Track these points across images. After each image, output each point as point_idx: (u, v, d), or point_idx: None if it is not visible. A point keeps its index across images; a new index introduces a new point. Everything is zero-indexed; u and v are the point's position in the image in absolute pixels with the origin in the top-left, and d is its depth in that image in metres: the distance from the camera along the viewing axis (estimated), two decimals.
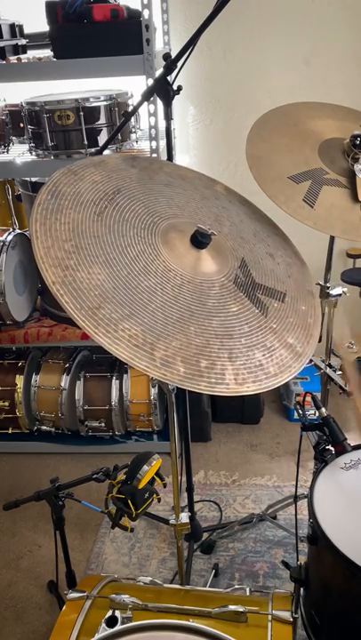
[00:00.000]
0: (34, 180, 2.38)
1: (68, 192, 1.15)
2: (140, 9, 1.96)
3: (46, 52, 2.27)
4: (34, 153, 2.28)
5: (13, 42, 2.32)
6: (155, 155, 2.14)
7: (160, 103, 1.65)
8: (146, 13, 1.96)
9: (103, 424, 2.56)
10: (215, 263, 1.21)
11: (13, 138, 2.47)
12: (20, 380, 2.58)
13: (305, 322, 1.22)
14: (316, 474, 1.43)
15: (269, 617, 1.25)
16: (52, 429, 2.63)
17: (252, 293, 1.19)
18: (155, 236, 1.17)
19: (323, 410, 1.48)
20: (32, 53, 2.36)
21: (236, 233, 1.35)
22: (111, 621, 1.17)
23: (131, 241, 1.13)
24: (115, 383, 2.55)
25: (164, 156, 1.92)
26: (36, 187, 2.36)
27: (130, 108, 2.12)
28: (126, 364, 2.57)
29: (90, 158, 1.28)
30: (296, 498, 1.80)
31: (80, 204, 1.13)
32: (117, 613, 1.18)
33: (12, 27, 2.34)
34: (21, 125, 2.35)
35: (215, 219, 1.35)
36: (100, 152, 1.71)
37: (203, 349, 1.03)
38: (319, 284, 1.79)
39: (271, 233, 1.44)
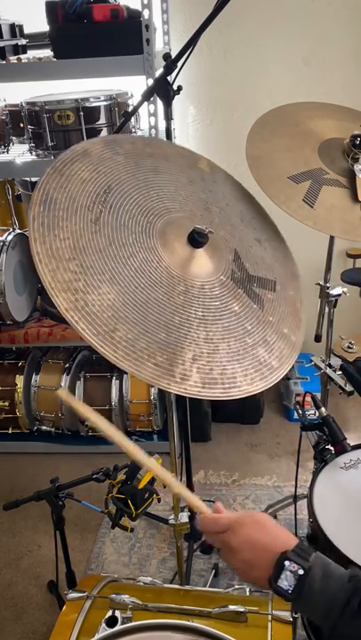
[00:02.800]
0: (34, 179, 2.38)
1: (60, 198, 1.12)
2: (140, 9, 1.96)
3: (46, 52, 2.27)
4: (34, 153, 2.28)
5: (13, 42, 2.32)
6: None
7: (160, 103, 1.65)
8: (146, 13, 1.96)
9: None
10: (212, 260, 1.21)
11: (13, 138, 2.47)
12: (20, 380, 2.58)
13: (294, 308, 1.23)
14: (315, 474, 1.43)
15: (269, 617, 1.25)
16: (52, 429, 2.63)
17: (249, 287, 1.20)
18: (153, 239, 1.16)
19: (323, 410, 1.48)
20: (32, 53, 2.36)
21: (226, 220, 1.34)
22: (111, 621, 1.17)
23: (132, 249, 1.11)
24: (115, 383, 2.55)
25: None
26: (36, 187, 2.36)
27: (130, 108, 2.12)
28: None
29: (72, 150, 1.24)
30: (296, 498, 1.81)
31: (74, 213, 1.11)
32: (117, 613, 1.18)
33: (12, 27, 2.34)
34: (21, 125, 2.35)
35: (205, 207, 1.34)
36: None
37: (213, 356, 1.03)
38: (319, 284, 1.79)
39: (255, 213, 1.43)
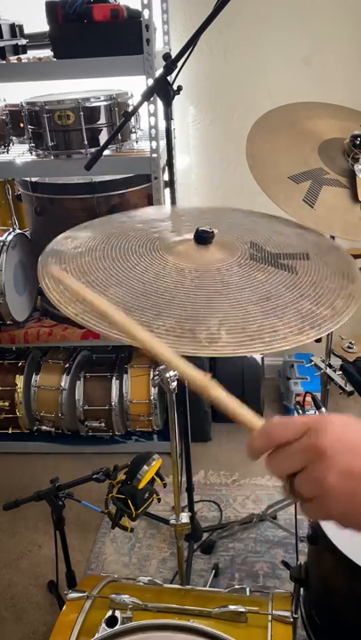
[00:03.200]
0: (34, 179, 2.38)
1: (66, 249, 1.21)
2: (140, 9, 1.96)
3: (46, 52, 2.27)
4: (34, 153, 2.28)
5: (13, 42, 2.32)
6: (155, 155, 2.14)
7: (160, 103, 1.65)
8: (146, 13, 1.96)
9: (103, 424, 2.56)
10: (225, 253, 1.22)
11: (13, 138, 2.47)
12: (20, 380, 2.58)
13: (340, 269, 1.22)
14: None
15: (269, 617, 1.25)
16: (52, 429, 2.63)
17: (274, 262, 1.20)
18: (158, 251, 1.22)
19: (323, 410, 1.48)
20: (32, 53, 2.36)
21: (236, 226, 1.36)
22: (111, 621, 1.17)
23: (137, 260, 1.17)
24: (115, 383, 2.55)
25: (164, 156, 1.92)
26: (35, 187, 2.36)
27: (130, 108, 2.12)
28: (127, 364, 2.58)
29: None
30: None
31: (80, 254, 1.20)
32: (117, 613, 1.18)
33: (12, 27, 2.34)
34: (21, 125, 2.35)
35: (210, 225, 1.36)
36: (100, 152, 1.71)
37: (245, 317, 1.04)
38: None
39: (271, 219, 1.45)
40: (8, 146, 2.42)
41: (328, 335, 1.85)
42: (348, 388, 1.73)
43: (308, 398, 1.52)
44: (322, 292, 1.12)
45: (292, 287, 1.13)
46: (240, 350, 0.98)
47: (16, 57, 2.25)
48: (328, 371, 1.82)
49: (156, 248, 1.21)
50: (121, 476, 1.33)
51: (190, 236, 1.22)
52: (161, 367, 1.33)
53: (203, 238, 1.19)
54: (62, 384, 2.56)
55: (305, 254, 1.24)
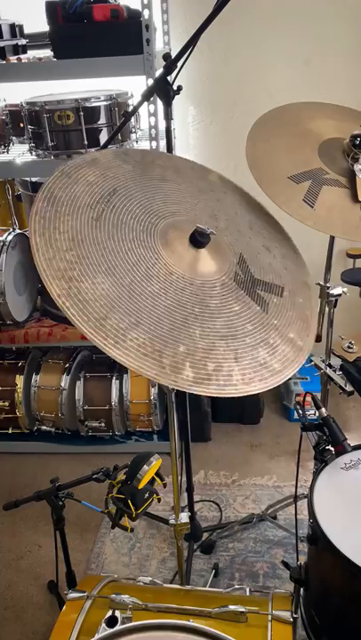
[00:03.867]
0: (34, 179, 2.38)
1: (64, 197, 1.14)
2: (140, 9, 1.96)
3: (46, 52, 2.27)
4: (34, 153, 2.27)
5: (13, 42, 2.32)
6: None
7: (160, 103, 1.65)
8: (146, 13, 1.96)
9: (103, 424, 2.56)
10: (215, 261, 1.21)
11: (13, 138, 2.47)
12: (20, 380, 2.58)
13: (303, 314, 1.23)
14: (316, 474, 1.43)
15: (269, 617, 1.25)
16: (52, 429, 2.63)
17: (253, 290, 1.20)
18: (154, 238, 1.17)
19: (323, 410, 1.48)
20: (32, 53, 2.36)
21: (233, 227, 1.35)
22: (111, 621, 1.17)
23: (131, 245, 1.13)
24: (115, 383, 2.55)
25: None
26: (36, 187, 2.36)
27: (130, 108, 2.12)
28: None
29: (82, 157, 1.26)
30: (296, 498, 1.80)
31: (77, 210, 1.13)
32: (117, 613, 1.18)
33: (12, 27, 2.33)
34: (21, 125, 2.35)
35: (211, 214, 1.35)
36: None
37: (209, 352, 1.03)
38: (319, 284, 1.79)
39: (266, 223, 1.44)
40: (8, 146, 2.42)
41: (328, 335, 1.85)
42: (349, 387, 1.73)
43: (308, 398, 1.52)
44: (280, 341, 1.13)
45: (259, 328, 1.13)
46: (195, 388, 0.98)
47: (16, 57, 2.25)
48: (328, 371, 1.82)
49: (154, 232, 1.17)
50: (121, 476, 1.33)
51: (189, 227, 1.20)
52: None
53: (198, 242, 1.18)
54: (62, 384, 2.56)
55: (281, 288, 1.24)
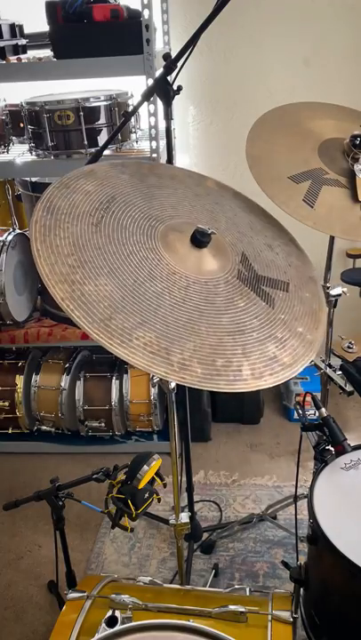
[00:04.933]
0: (34, 180, 2.38)
1: (63, 205, 1.15)
2: (140, 9, 1.96)
3: (46, 52, 2.27)
4: (34, 153, 2.28)
5: (13, 42, 2.32)
6: (155, 155, 2.14)
7: (160, 103, 1.65)
8: (146, 13, 1.96)
9: (103, 424, 2.56)
10: (217, 261, 1.21)
11: (13, 138, 2.47)
12: (20, 380, 2.58)
13: (311, 308, 1.23)
14: (316, 474, 1.43)
15: (269, 617, 1.25)
16: (52, 429, 2.63)
17: (257, 286, 1.20)
18: (155, 241, 1.18)
19: (323, 410, 1.48)
20: (32, 53, 2.36)
21: (233, 227, 1.36)
22: (111, 621, 1.17)
23: (132, 248, 1.14)
24: (115, 383, 2.55)
25: (164, 156, 1.92)
26: (36, 187, 2.36)
27: (130, 108, 2.12)
28: (127, 365, 2.58)
29: (78, 169, 1.29)
30: (296, 498, 1.80)
31: (76, 217, 1.15)
32: (117, 613, 1.18)
33: (12, 27, 2.33)
34: (21, 125, 2.35)
35: (210, 216, 1.35)
36: (100, 152, 1.71)
37: (217, 348, 1.04)
38: None
39: (266, 224, 1.45)
40: (8, 146, 2.42)
41: (328, 335, 1.85)
42: (349, 387, 1.73)
43: (308, 398, 1.52)
44: (289, 335, 1.13)
45: (266, 323, 1.13)
46: (205, 384, 0.98)
47: (16, 57, 2.25)
48: (328, 371, 1.82)
49: (154, 235, 1.18)
50: (121, 476, 1.33)
51: (189, 229, 1.20)
52: None
53: (200, 242, 1.18)
54: (62, 384, 2.56)
55: (286, 284, 1.24)
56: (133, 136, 2.35)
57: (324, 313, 1.26)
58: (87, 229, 1.13)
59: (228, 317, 1.11)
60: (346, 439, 1.46)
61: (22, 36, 2.40)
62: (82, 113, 2.12)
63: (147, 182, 1.34)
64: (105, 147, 1.94)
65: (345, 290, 1.79)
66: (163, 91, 1.57)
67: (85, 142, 2.16)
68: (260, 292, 1.19)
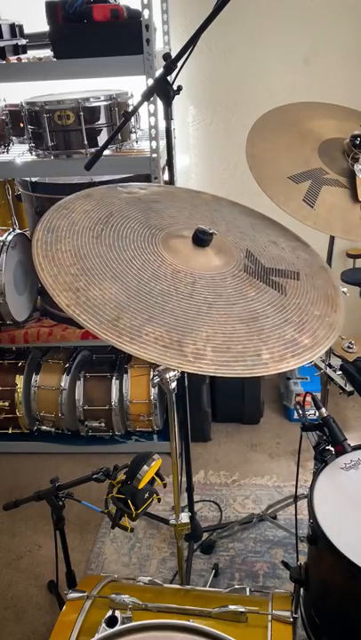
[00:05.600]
0: (34, 179, 2.38)
1: (63, 224, 1.19)
2: (140, 9, 1.96)
3: (46, 52, 2.27)
4: (34, 153, 2.28)
5: (13, 42, 2.32)
6: (155, 155, 2.14)
7: (160, 103, 1.65)
8: (146, 13, 1.96)
9: (103, 424, 2.56)
10: (220, 258, 1.22)
11: (13, 138, 2.47)
12: (20, 380, 2.58)
13: (326, 294, 1.23)
14: (316, 474, 1.43)
15: (269, 617, 1.25)
16: (52, 429, 2.63)
17: (266, 277, 1.21)
18: (156, 246, 1.20)
19: (323, 410, 1.48)
20: (32, 53, 2.36)
21: (235, 229, 1.36)
22: (111, 621, 1.17)
23: (134, 253, 1.16)
24: (115, 383, 2.55)
25: (163, 156, 1.92)
26: (36, 187, 2.36)
27: (130, 108, 2.12)
28: (127, 365, 2.58)
29: (75, 194, 1.33)
30: (296, 498, 1.80)
31: (77, 232, 1.18)
32: (117, 613, 1.18)
33: (12, 27, 2.33)
34: (21, 125, 2.35)
35: (210, 221, 1.36)
36: (100, 152, 1.71)
37: (231, 336, 1.04)
38: None
39: (268, 224, 1.45)
40: (8, 146, 2.42)
41: None
42: (349, 387, 1.73)
43: (308, 398, 1.52)
44: (306, 318, 1.14)
45: (280, 309, 1.14)
46: (223, 370, 0.99)
47: (16, 57, 2.25)
48: (328, 371, 1.82)
49: (155, 241, 1.20)
50: (121, 476, 1.33)
51: (189, 233, 1.21)
52: (161, 367, 1.33)
53: (201, 240, 1.19)
54: (62, 384, 2.56)
55: (296, 273, 1.25)
56: (133, 136, 2.35)
57: (341, 297, 1.25)
58: (88, 241, 1.16)
59: (240, 307, 1.11)
60: (346, 439, 1.46)
61: (22, 36, 2.40)
62: (82, 113, 2.12)
63: (143, 199, 1.36)
64: (105, 147, 1.94)
65: (345, 290, 1.78)
66: (163, 91, 1.57)
67: (85, 142, 2.16)
68: (270, 282, 1.20)
